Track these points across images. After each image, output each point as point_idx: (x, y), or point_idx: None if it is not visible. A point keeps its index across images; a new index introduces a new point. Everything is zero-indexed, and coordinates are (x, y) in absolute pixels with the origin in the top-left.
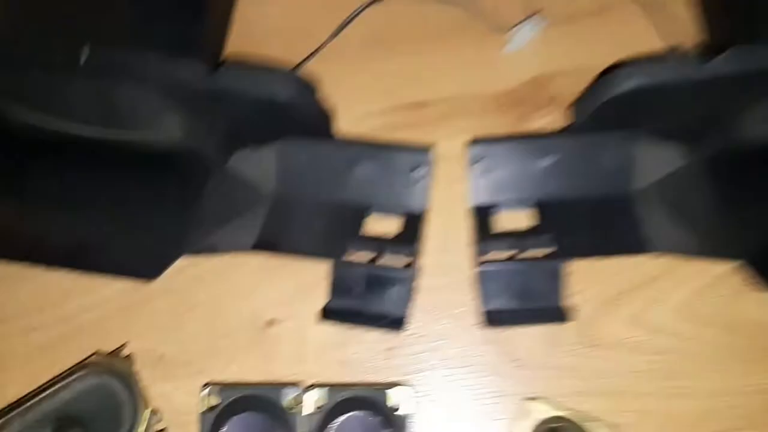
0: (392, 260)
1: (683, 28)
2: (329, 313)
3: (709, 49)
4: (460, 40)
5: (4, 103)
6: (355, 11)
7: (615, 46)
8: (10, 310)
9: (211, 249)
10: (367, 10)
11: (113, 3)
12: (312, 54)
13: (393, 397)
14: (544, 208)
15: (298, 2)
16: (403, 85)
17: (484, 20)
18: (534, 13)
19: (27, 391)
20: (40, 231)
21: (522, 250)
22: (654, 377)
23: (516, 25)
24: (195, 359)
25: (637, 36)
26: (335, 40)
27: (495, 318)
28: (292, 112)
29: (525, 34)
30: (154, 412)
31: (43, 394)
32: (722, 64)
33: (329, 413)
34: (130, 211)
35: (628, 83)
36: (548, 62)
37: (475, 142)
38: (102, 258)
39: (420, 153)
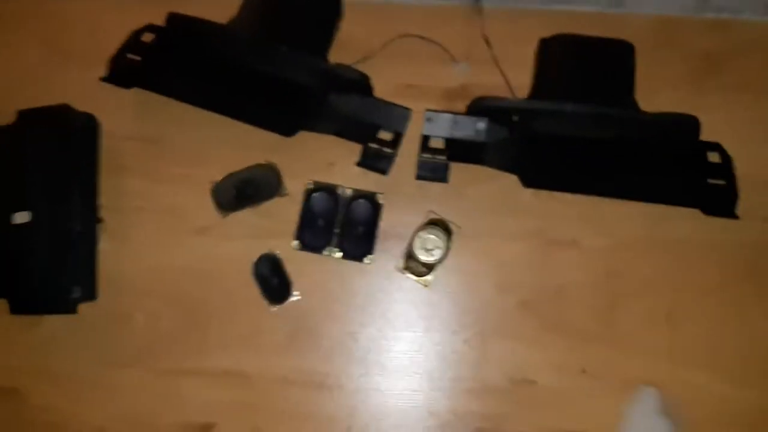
0: (387, 148)
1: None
2: (360, 164)
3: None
4: (435, 62)
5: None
6: (390, 40)
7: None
8: (207, 147)
9: (315, 129)
10: (395, 40)
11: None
12: (366, 58)
13: (378, 198)
14: (448, 141)
15: (362, 28)
16: (405, 77)
17: (447, 54)
18: (468, 57)
19: (224, 174)
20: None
21: (436, 155)
22: (484, 213)
23: (460, 62)
24: (302, 174)
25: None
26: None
27: (423, 177)
28: (357, 84)
29: (463, 67)
30: (285, 187)
31: (235, 172)
32: (520, 103)
33: (352, 197)
34: (283, 98)
35: (483, 104)
36: (469, 78)
37: (429, 110)
38: (262, 119)
39: (406, 109)
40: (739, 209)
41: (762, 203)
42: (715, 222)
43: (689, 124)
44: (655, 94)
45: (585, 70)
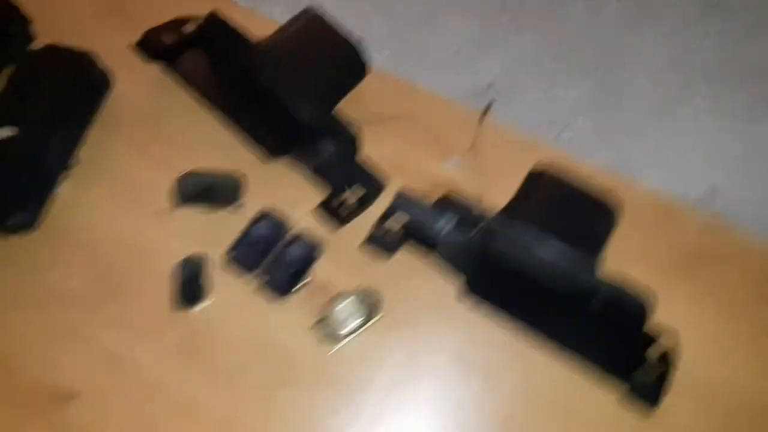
0: (350, 206)
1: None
2: (319, 208)
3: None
4: (430, 150)
5: None
6: (398, 114)
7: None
8: (196, 140)
9: (297, 160)
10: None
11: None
12: (370, 122)
13: (319, 248)
14: (408, 223)
15: (379, 94)
16: (397, 153)
17: (446, 147)
18: (457, 156)
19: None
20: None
21: (390, 233)
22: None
23: (453, 158)
24: (265, 198)
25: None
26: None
27: (369, 247)
28: (349, 140)
29: (454, 164)
30: (241, 203)
31: (204, 170)
32: (487, 214)
33: (296, 237)
34: (280, 123)
35: (450, 201)
36: (455, 177)
37: (402, 189)
38: (255, 133)
39: (382, 180)
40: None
41: (686, 410)
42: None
43: (641, 302)
44: (626, 265)
45: (561, 212)
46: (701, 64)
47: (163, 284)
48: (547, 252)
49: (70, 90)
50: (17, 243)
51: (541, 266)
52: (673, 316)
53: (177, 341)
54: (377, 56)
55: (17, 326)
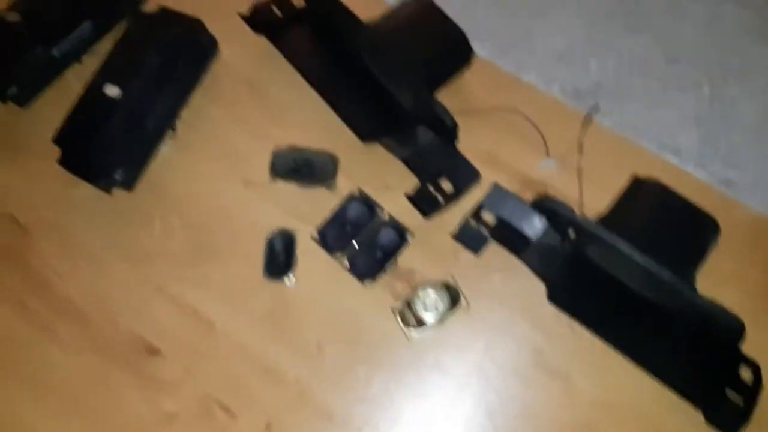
0: (441, 197)
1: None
2: (409, 198)
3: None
4: (528, 147)
5: None
6: (498, 107)
7: (574, 187)
8: (295, 116)
9: (389, 147)
10: (503, 111)
11: None
12: (469, 112)
13: (407, 235)
14: (500, 221)
15: (481, 85)
16: (494, 146)
17: (544, 146)
18: (560, 159)
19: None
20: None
21: (481, 227)
22: None
23: (551, 158)
24: (357, 180)
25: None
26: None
27: (459, 239)
28: (446, 128)
29: (551, 164)
30: (335, 183)
31: (301, 147)
32: (586, 223)
33: (386, 222)
34: (377, 107)
35: (548, 204)
36: (550, 177)
37: (497, 184)
38: (350, 115)
39: (477, 173)
40: None
41: None
42: None
43: (734, 326)
44: (721, 285)
45: (662, 225)
46: None
47: (254, 253)
48: (642, 267)
49: (178, 54)
50: (119, 198)
51: (636, 278)
52: (763, 343)
53: (264, 309)
54: (481, 46)
55: (115, 277)
